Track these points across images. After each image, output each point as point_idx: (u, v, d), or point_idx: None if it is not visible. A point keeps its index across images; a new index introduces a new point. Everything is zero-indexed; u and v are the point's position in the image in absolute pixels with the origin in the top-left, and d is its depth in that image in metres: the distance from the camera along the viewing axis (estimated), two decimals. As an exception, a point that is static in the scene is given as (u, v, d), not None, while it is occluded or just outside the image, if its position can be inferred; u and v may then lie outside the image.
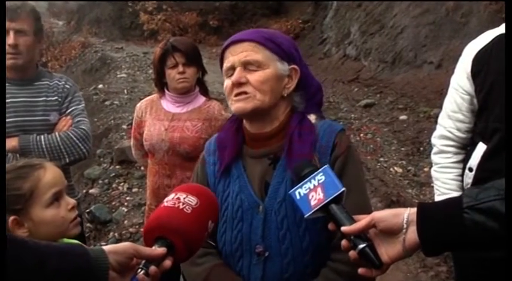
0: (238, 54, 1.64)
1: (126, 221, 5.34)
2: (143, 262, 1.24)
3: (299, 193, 1.38)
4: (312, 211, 1.34)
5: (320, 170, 1.38)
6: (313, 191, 1.35)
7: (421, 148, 6.60)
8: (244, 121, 1.76)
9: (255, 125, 1.71)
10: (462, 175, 2.23)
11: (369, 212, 1.36)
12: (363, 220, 1.28)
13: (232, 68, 1.66)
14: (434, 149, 2.37)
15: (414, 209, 1.25)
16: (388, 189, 5.39)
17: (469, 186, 2.19)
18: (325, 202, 1.32)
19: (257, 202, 1.66)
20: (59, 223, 1.60)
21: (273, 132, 1.70)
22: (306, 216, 1.35)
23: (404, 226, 1.24)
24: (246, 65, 1.63)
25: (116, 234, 5.16)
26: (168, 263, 1.26)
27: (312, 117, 1.72)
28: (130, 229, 5.16)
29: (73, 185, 2.91)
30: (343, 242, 1.31)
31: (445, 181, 2.29)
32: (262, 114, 1.67)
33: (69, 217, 1.63)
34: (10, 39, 2.55)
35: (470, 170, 2.17)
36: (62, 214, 1.61)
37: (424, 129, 6.99)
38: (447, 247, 1.23)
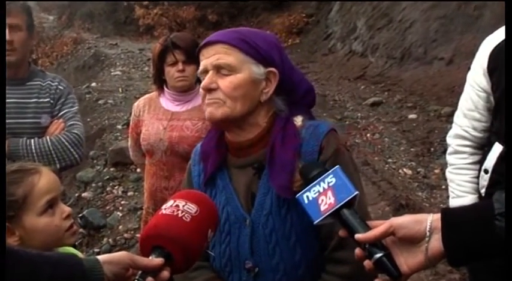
0: (210, 56, 1.61)
1: (120, 227, 5.34)
2: (139, 272, 1.23)
3: (307, 196, 1.33)
4: (323, 217, 1.29)
5: (330, 171, 1.33)
6: (323, 194, 1.30)
7: (432, 149, 6.57)
8: None
9: (233, 133, 1.68)
10: (478, 177, 2.22)
11: (367, 219, 1.33)
12: (380, 227, 1.23)
13: (205, 71, 1.63)
14: (450, 149, 2.37)
15: (438, 215, 1.20)
16: (396, 192, 5.37)
17: (484, 189, 2.18)
18: (336, 207, 1.28)
19: (243, 215, 1.64)
20: (52, 232, 1.58)
21: (255, 139, 1.66)
22: (315, 222, 1.30)
23: (427, 233, 1.19)
24: (218, 69, 1.60)
25: (110, 240, 5.15)
26: (165, 274, 1.25)
27: (299, 120, 1.67)
28: (125, 235, 5.15)
29: (64, 190, 2.89)
30: (357, 251, 1.26)
31: (460, 183, 2.29)
32: (235, 121, 1.63)
33: (64, 225, 1.60)
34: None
35: (486, 172, 2.16)
36: (56, 222, 1.58)
37: (435, 129, 6.97)
38: (475, 257, 1.19)
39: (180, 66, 2.94)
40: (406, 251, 1.23)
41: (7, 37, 2.52)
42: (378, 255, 1.22)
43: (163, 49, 2.96)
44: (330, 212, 1.28)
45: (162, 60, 2.97)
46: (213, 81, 1.60)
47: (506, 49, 1.80)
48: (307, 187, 1.34)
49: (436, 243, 1.18)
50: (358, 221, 1.27)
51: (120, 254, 1.25)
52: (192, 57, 2.94)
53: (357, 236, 1.24)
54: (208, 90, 1.60)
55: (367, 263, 1.24)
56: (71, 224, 1.63)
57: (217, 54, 1.60)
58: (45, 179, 1.59)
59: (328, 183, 1.31)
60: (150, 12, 15.89)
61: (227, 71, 1.59)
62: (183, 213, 1.29)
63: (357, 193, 1.29)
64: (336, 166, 1.36)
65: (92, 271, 1.18)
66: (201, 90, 1.65)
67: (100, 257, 1.23)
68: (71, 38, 15.47)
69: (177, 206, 1.31)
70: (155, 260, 1.24)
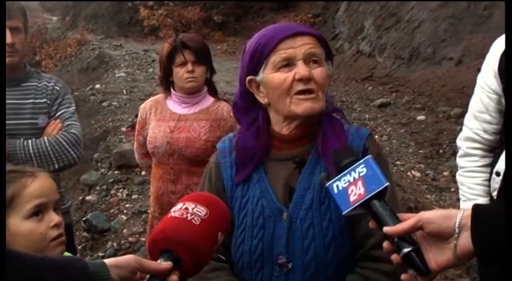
0: (299, 46, 1.61)
1: (125, 230, 5.33)
2: (147, 276, 1.22)
3: (337, 186, 1.32)
4: (352, 208, 1.28)
5: (362, 161, 1.32)
6: (353, 184, 1.29)
7: (441, 151, 6.56)
8: (272, 121, 1.72)
9: (294, 127, 1.69)
10: (490, 180, 2.21)
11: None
12: (409, 220, 1.21)
13: (289, 60, 1.61)
14: (460, 152, 2.36)
15: (468, 212, 1.18)
16: (405, 195, 5.35)
17: (496, 192, 2.17)
18: (366, 198, 1.26)
19: (280, 208, 1.64)
20: (36, 239, 1.53)
21: (301, 134, 1.68)
22: (344, 213, 1.30)
23: (457, 230, 1.17)
24: (310, 58, 1.61)
25: (115, 244, 5.14)
26: (174, 278, 1.24)
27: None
28: (130, 239, 5.15)
29: (62, 192, 2.90)
30: (385, 244, 1.24)
31: (471, 186, 2.28)
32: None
33: (50, 234, 1.55)
34: (8, 38, 2.55)
35: (498, 174, 2.16)
36: (40, 230, 1.53)
37: (444, 131, 6.96)
38: (505, 256, 1.15)
39: (189, 66, 2.93)
40: (435, 247, 1.21)
41: (9, 40, 2.55)
42: (406, 250, 1.20)
43: (173, 49, 2.96)
44: (359, 202, 1.27)
45: (171, 60, 2.97)
46: (308, 70, 1.61)
47: (506, 49, 1.80)
48: (338, 176, 1.33)
49: (465, 241, 1.17)
50: (388, 214, 1.25)
51: (127, 258, 1.24)
52: (202, 58, 2.96)
53: (385, 229, 1.23)
54: (307, 80, 1.60)
55: (395, 257, 1.23)
56: (58, 234, 1.57)
57: (307, 44, 1.61)
58: (38, 183, 1.56)
59: (359, 173, 1.30)
60: (154, 13, 15.87)
61: (318, 61, 1.63)
62: (193, 216, 1.28)
63: (387, 184, 1.27)
64: (368, 156, 1.35)
65: (98, 275, 1.17)
66: (283, 77, 1.61)
67: (107, 261, 1.21)
68: (74, 39, 15.45)
69: (187, 208, 1.30)
70: (163, 264, 1.23)
